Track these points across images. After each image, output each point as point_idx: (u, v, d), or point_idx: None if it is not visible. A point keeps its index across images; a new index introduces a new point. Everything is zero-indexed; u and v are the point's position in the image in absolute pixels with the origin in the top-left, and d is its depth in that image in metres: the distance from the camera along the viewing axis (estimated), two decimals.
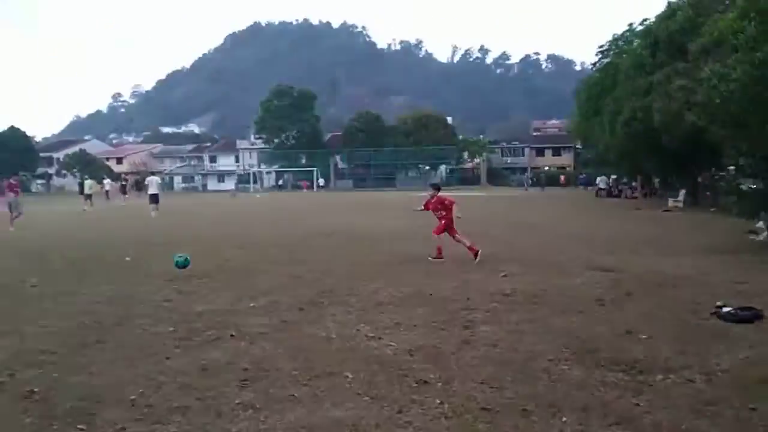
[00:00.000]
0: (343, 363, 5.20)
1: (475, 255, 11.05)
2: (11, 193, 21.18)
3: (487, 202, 36.32)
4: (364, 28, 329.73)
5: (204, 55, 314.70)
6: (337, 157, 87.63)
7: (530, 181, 69.33)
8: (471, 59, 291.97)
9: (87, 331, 6.41)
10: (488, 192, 55.32)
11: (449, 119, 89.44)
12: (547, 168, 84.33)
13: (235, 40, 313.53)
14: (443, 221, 11.60)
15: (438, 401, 4.31)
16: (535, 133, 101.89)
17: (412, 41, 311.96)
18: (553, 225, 19.24)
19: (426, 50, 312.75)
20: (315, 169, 78.34)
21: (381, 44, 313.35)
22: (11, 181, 22.72)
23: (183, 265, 9.91)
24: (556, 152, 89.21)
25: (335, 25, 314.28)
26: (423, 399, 4.36)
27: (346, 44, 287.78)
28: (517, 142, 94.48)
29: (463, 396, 4.41)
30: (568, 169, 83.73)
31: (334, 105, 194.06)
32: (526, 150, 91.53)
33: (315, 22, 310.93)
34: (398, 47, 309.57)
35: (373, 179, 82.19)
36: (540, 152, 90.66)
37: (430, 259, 11.21)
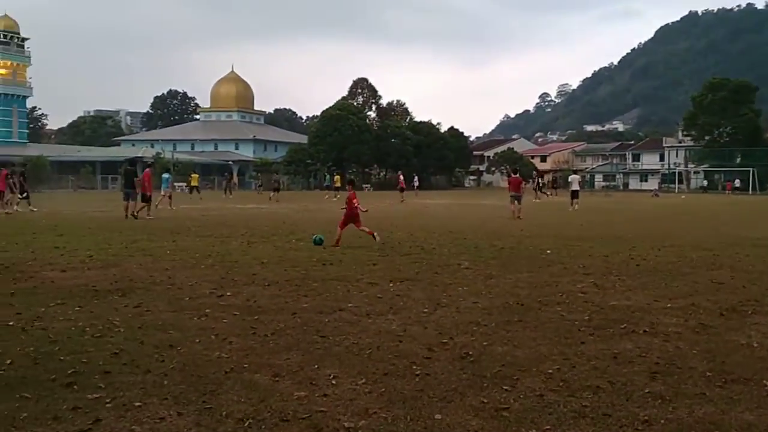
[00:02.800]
0: (763, 372, 4.96)
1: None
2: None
3: None
4: None
5: (633, 50, 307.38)
6: None
7: None
8: None
9: (511, 310, 7.21)
10: None
11: None
12: None
13: (667, 32, 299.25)
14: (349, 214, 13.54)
15: None
16: None
17: None
18: None
19: None
20: (752, 169, 70.63)
21: None
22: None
23: (318, 242, 13.12)
24: None
25: None
26: None
27: None
28: None
29: None
30: None
31: None
32: None
33: (760, 5, 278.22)
34: None
35: None
36: None
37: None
